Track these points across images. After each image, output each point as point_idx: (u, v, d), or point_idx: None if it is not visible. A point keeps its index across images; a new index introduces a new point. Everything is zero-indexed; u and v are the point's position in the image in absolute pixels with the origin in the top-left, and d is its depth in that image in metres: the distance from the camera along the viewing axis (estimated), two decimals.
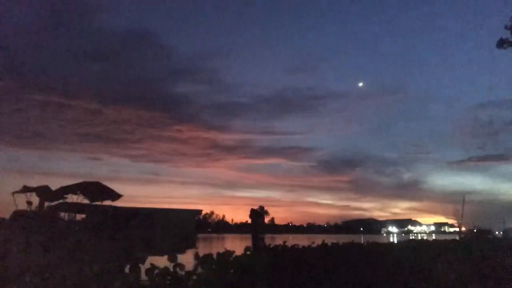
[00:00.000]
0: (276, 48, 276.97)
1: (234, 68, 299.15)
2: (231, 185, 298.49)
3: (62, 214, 18.00)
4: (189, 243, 16.56)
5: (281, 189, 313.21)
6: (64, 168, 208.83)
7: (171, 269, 2.55)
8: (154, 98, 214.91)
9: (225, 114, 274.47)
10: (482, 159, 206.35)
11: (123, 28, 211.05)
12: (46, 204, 17.56)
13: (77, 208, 17.10)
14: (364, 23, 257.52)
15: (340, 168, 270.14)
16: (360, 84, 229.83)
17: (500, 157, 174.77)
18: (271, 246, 4.26)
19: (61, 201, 17.71)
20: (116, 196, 18.24)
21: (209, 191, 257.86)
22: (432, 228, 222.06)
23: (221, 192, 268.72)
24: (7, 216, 18.03)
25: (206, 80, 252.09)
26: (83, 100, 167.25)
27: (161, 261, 3.03)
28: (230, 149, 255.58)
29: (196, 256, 3.12)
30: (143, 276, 2.71)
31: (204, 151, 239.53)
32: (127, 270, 2.77)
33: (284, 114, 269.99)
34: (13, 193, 17.35)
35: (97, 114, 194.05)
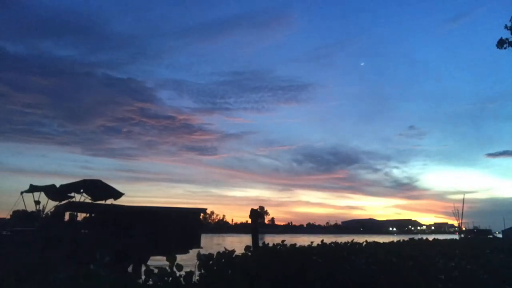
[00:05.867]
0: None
1: (213, 59, 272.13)
2: (218, 183, 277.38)
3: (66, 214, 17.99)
4: (193, 242, 16.53)
5: (273, 188, 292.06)
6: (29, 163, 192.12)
7: (169, 270, 2.52)
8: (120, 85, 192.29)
9: (204, 103, 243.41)
10: (486, 156, 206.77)
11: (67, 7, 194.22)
12: (56, 203, 17.54)
13: (86, 207, 17.08)
14: (361, 17, 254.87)
15: (336, 165, 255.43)
16: (362, 64, 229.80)
17: (504, 153, 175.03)
18: (269, 245, 4.24)
19: (68, 200, 17.70)
20: (118, 194, 18.22)
21: (196, 190, 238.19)
22: (432, 228, 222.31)
23: (210, 191, 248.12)
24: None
25: (180, 67, 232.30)
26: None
27: (164, 261, 3.01)
28: (213, 143, 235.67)
29: (199, 256, 3.09)
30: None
31: (183, 145, 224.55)
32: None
33: (272, 106, 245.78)
34: (22, 192, 17.33)
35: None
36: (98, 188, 17.70)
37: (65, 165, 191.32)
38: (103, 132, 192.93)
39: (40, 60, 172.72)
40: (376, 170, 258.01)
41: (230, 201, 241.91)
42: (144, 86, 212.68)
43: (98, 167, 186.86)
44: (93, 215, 16.60)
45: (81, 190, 17.83)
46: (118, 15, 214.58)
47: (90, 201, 18.34)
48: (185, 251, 15.62)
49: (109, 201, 18.07)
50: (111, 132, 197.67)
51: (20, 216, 16.98)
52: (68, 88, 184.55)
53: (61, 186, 16.79)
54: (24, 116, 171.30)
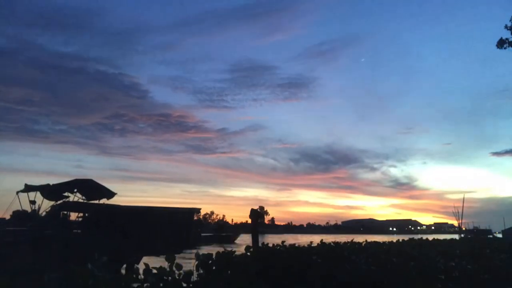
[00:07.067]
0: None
1: (209, 55, 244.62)
2: (215, 182, 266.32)
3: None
4: (188, 242, 16.51)
5: (271, 187, 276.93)
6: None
7: (168, 270, 2.51)
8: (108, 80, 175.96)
9: (200, 100, 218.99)
10: (490, 154, 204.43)
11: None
12: (52, 203, 17.56)
13: (81, 207, 17.09)
14: (361, 14, 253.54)
15: (334, 164, 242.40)
16: (362, 60, 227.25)
17: (511, 152, 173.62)
18: (269, 245, 4.23)
19: (63, 200, 17.73)
20: (110, 194, 18.25)
21: (193, 190, 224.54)
22: (432, 228, 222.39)
23: (208, 191, 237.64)
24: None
25: (175, 63, 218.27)
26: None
27: (157, 262, 2.99)
28: (210, 141, 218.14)
29: (197, 255, 3.08)
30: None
31: (179, 143, 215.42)
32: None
33: (271, 104, 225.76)
34: (17, 192, 17.33)
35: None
36: (90, 188, 17.74)
37: (58, 164, 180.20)
38: (97, 129, 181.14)
39: (32, 55, 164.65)
40: (375, 169, 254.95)
41: (229, 201, 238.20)
42: (137, 82, 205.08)
43: (93, 166, 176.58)
44: (86, 214, 16.63)
45: (75, 190, 17.88)
46: (110, 9, 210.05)
47: (84, 200, 18.39)
48: (178, 251, 15.61)
49: (103, 201, 18.09)
50: (104, 130, 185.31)
51: (20, 216, 16.99)
52: (61, 84, 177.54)
53: (53, 185, 16.79)
54: (16, 114, 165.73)
